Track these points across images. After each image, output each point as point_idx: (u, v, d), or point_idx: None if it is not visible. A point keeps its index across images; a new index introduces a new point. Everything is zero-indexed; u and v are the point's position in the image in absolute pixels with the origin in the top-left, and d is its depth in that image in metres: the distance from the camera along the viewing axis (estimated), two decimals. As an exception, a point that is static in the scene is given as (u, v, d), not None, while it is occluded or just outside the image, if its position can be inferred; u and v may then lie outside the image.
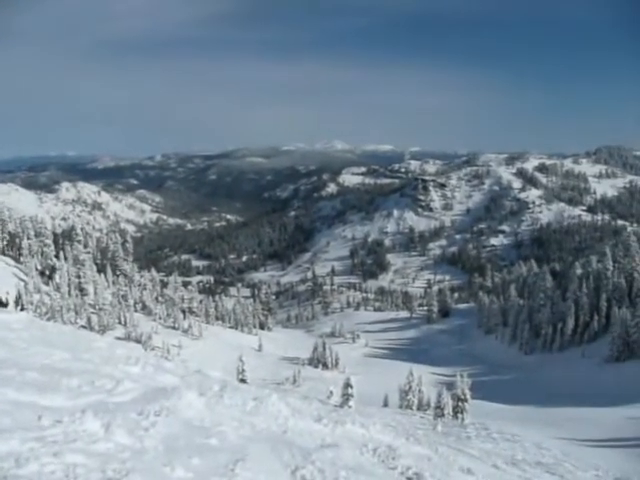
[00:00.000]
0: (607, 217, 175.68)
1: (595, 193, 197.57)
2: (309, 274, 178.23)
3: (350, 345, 75.31)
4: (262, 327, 77.81)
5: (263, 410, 9.42)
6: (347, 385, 27.44)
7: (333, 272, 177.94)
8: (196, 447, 6.43)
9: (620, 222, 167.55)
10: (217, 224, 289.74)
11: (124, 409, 7.13)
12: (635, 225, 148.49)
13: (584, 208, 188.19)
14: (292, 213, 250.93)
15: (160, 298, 66.50)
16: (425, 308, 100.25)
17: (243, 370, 38.62)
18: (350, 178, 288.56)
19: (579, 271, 69.88)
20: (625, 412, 34.56)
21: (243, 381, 33.45)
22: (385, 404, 33.87)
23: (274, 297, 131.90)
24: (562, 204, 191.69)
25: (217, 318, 71.26)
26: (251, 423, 8.28)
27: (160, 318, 60.21)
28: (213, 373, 17.01)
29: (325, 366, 57.07)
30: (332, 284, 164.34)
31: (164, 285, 72.35)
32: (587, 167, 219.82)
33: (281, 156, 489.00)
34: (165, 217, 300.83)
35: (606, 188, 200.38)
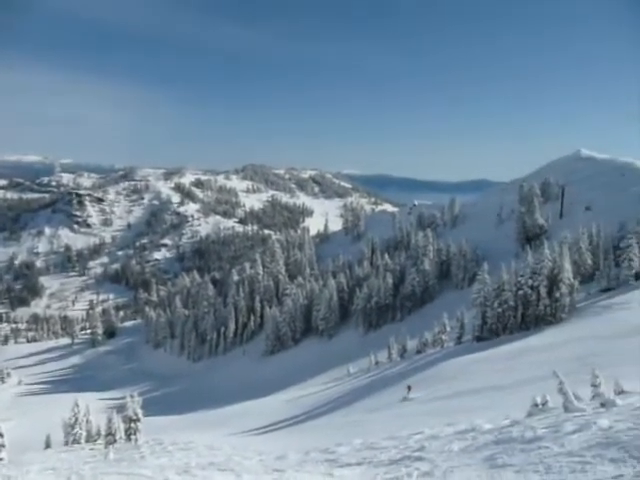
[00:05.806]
0: (256, 227, 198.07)
1: (245, 206, 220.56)
2: None
3: (-1, 386, 64.77)
4: None
5: None
6: (-3, 435, 23.45)
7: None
8: None
9: (266, 231, 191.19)
10: None
11: None
12: (278, 233, 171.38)
13: (237, 220, 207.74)
14: None
15: None
16: (89, 331, 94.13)
17: None
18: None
19: (236, 277, 76.58)
20: (283, 396, 39.66)
21: None
22: (47, 445, 30.25)
23: None
24: (218, 217, 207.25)
25: None
26: None
27: None
28: None
29: (-35, 418, 47.51)
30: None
31: None
32: (237, 183, 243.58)
33: None
34: None
35: (253, 202, 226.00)
